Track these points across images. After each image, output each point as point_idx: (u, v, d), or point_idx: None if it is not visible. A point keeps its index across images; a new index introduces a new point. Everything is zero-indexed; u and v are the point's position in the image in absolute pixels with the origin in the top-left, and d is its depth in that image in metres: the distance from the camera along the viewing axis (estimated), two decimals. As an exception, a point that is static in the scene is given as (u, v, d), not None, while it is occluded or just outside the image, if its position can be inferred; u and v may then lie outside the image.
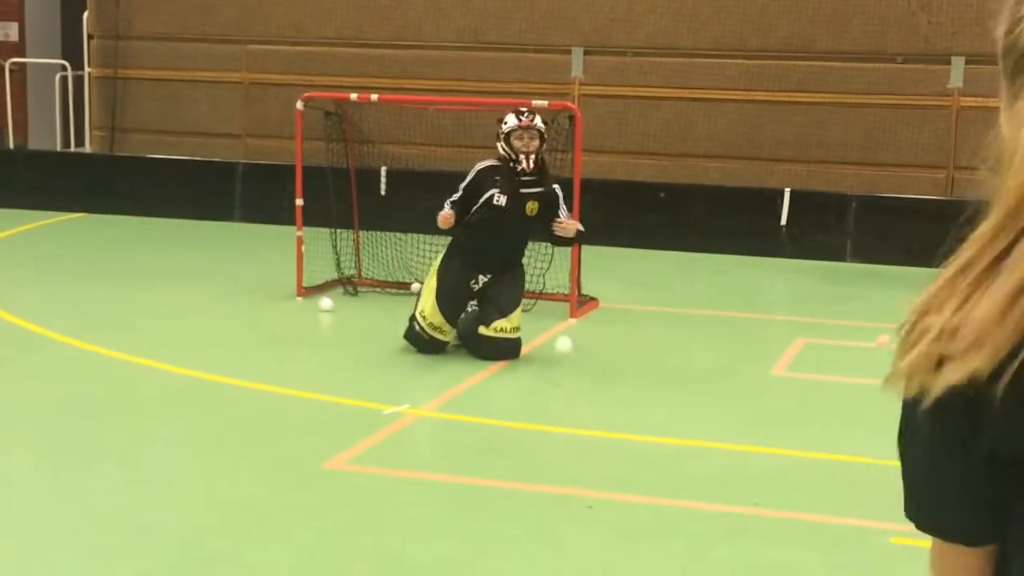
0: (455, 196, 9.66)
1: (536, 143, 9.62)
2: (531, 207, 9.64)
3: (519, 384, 9.10)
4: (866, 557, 5.97)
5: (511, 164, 9.58)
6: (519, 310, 9.69)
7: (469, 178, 9.68)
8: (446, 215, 9.52)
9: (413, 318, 9.63)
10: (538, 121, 9.65)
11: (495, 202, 9.55)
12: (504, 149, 9.62)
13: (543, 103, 11.25)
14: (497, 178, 9.59)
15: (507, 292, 9.66)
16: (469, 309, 9.82)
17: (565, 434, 7.84)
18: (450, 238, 9.79)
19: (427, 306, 9.57)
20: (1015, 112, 1.78)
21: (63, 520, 6.23)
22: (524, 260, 10.00)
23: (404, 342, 9.79)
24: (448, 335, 9.62)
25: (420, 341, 9.58)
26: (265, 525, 6.22)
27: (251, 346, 9.96)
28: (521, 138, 9.57)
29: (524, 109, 9.76)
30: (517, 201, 9.58)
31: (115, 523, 6.19)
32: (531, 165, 9.57)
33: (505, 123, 9.63)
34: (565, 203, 9.90)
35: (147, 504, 6.45)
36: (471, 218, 9.60)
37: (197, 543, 5.94)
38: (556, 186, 9.83)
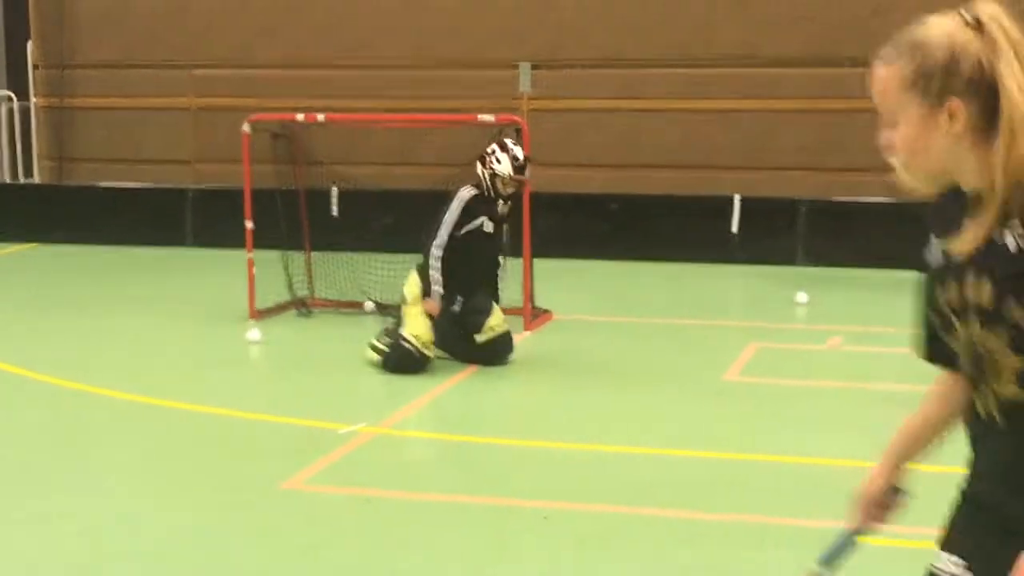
0: (443, 235, 9.63)
1: (516, 190, 9.89)
2: (505, 229, 10.08)
3: (472, 400, 9.10)
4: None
5: (488, 196, 9.77)
6: (497, 306, 9.89)
7: (458, 211, 9.71)
8: (433, 305, 9.59)
9: (400, 341, 9.57)
10: (527, 172, 9.88)
11: (485, 228, 9.74)
12: (486, 182, 9.76)
13: (489, 118, 11.30)
14: (482, 206, 9.76)
15: (479, 297, 9.82)
16: None
17: (518, 446, 7.85)
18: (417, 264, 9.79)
19: (419, 328, 9.57)
20: None
21: (17, 549, 6.19)
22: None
23: (360, 361, 9.79)
24: (433, 352, 9.66)
25: (411, 360, 9.55)
26: (222, 547, 6.20)
27: (204, 370, 9.92)
28: (507, 186, 9.71)
29: (519, 161, 9.75)
30: (498, 226, 9.91)
31: (70, 550, 6.15)
32: (506, 209, 9.90)
33: (497, 162, 9.72)
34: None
35: (102, 530, 6.41)
36: (457, 248, 9.66)
37: (154, 567, 5.91)
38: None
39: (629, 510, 6.63)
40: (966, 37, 2.62)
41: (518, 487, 7.05)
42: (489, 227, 9.78)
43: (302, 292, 12.04)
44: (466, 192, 9.80)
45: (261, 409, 8.71)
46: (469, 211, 9.72)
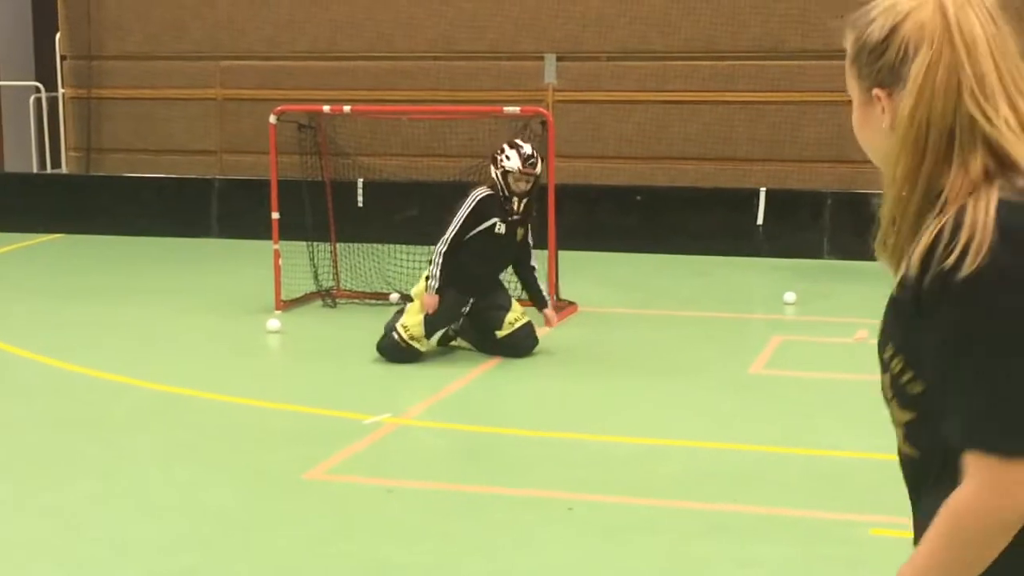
0: (452, 233, 9.63)
1: (530, 186, 9.78)
2: (520, 232, 9.87)
3: (496, 391, 9.11)
4: (846, 550, 5.99)
5: (503, 196, 9.70)
6: (514, 301, 9.92)
7: (470, 209, 9.66)
8: (429, 301, 9.57)
9: (391, 329, 9.64)
10: (539, 168, 9.78)
11: (496, 230, 9.66)
12: (499, 181, 9.72)
13: (515, 109, 11.30)
14: (495, 207, 9.71)
15: (496, 296, 9.84)
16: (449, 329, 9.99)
17: (543, 437, 7.86)
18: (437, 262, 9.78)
19: (412, 322, 9.59)
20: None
21: (40, 536, 6.23)
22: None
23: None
24: (424, 346, 9.66)
25: (396, 350, 9.59)
26: (244, 536, 6.23)
27: (230, 360, 9.96)
28: (519, 181, 9.67)
29: (529, 154, 9.73)
30: (511, 227, 9.78)
31: (92, 538, 6.19)
32: (521, 207, 9.76)
33: (507, 159, 9.69)
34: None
35: (125, 518, 6.44)
36: (467, 247, 9.67)
37: (175, 555, 5.94)
38: (533, 211, 10.06)
39: (654, 502, 6.63)
40: (910, 13, 2.13)
41: (542, 478, 7.06)
42: (501, 228, 9.72)
43: (328, 283, 12.07)
44: (479, 192, 9.77)
45: (285, 399, 8.74)
46: (480, 212, 9.65)
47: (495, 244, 9.72)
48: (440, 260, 9.63)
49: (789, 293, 11.66)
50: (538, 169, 9.80)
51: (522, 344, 9.76)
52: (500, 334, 9.73)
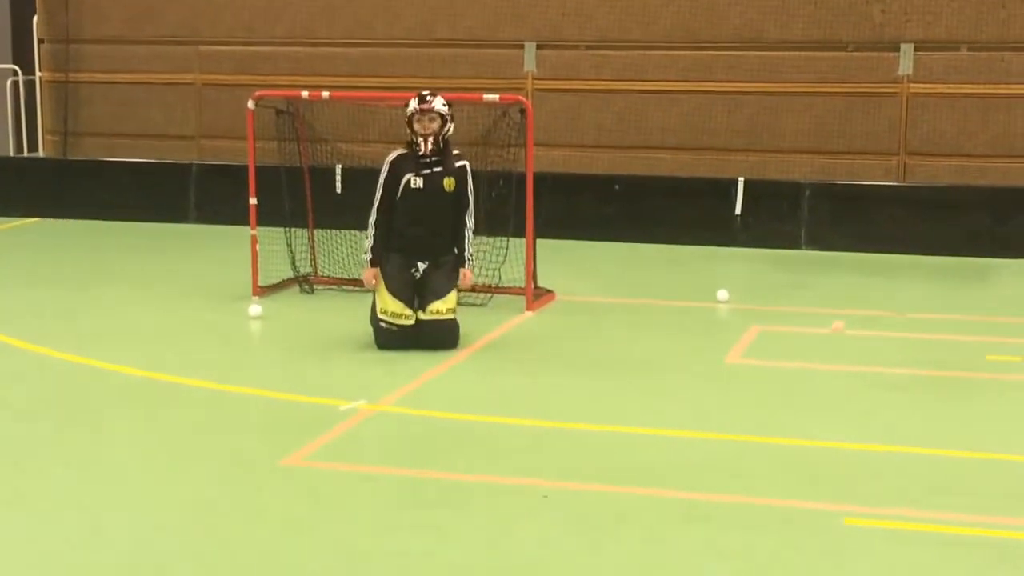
0: (376, 201, 9.80)
1: (435, 125, 9.74)
2: (448, 183, 9.80)
3: (474, 378, 9.11)
4: (821, 539, 6.01)
5: (414, 147, 9.73)
6: (454, 292, 9.80)
7: (384, 174, 9.81)
8: (366, 276, 9.77)
9: (376, 321, 9.65)
10: (437, 104, 9.76)
11: (412, 185, 9.70)
12: (409, 133, 9.80)
13: (494, 97, 11.29)
14: (406, 163, 9.76)
15: (441, 276, 9.77)
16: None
17: (520, 425, 7.87)
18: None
19: (383, 302, 9.61)
20: None
21: (13, 522, 6.21)
22: (472, 251, 10.01)
23: (361, 339, 9.82)
24: (412, 317, 9.65)
25: (392, 335, 9.60)
26: (221, 522, 6.22)
27: (206, 346, 9.94)
28: (420, 121, 9.74)
29: (426, 92, 9.85)
30: (432, 180, 9.75)
31: (67, 524, 6.17)
32: (429, 146, 9.72)
33: (407, 107, 9.79)
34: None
35: (100, 505, 6.43)
36: (396, 207, 9.73)
37: (151, 542, 5.93)
38: (463, 163, 9.95)
39: (629, 491, 6.64)
40: None
41: (518, 466, 7.07)
42: (417, 183, 9.72)
43: (305, 269, 12.06)
44: (391, 154, 9.88)
45: (262, 385, 8.72)
46: (393, 171, 9.76)
47: (421, 200, 9.72)
48: (371, 232, 9.77)
49: (722, 291, 11.54)
50: (435, 104, 9.73)
51: (441, 338, 9.69)
52: (421, 316, 9.67)
